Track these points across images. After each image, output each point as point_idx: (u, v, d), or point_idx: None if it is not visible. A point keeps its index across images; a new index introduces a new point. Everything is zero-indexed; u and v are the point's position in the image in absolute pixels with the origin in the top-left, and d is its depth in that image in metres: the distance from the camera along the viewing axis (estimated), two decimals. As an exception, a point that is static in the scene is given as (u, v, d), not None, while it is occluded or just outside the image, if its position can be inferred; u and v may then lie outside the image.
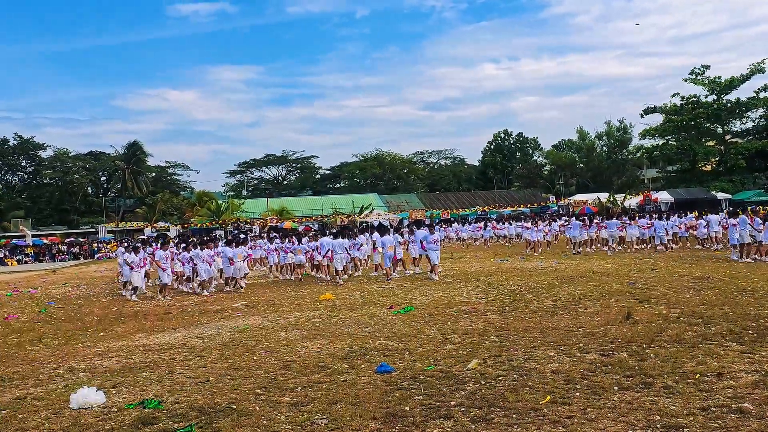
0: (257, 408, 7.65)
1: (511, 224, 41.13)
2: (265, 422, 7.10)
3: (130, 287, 21.14)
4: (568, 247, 30.97)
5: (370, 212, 68.08)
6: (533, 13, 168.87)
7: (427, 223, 33.05)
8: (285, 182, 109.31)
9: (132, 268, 21.00)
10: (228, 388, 8.67)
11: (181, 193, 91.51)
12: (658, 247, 28.17)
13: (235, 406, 7.75)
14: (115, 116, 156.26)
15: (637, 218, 30.86)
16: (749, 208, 35.66)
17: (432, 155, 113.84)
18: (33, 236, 67.15)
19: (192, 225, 64.86)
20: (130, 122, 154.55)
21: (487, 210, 70.03)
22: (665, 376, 7.99)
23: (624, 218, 31.30)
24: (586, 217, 34.59)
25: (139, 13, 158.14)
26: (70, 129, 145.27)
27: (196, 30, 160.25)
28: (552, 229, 34.81)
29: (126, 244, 27.79)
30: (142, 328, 14.76)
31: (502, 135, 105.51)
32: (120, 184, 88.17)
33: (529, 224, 32.91)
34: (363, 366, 9.46)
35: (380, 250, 22.61)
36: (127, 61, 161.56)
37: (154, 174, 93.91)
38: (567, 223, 34.05)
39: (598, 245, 30.18)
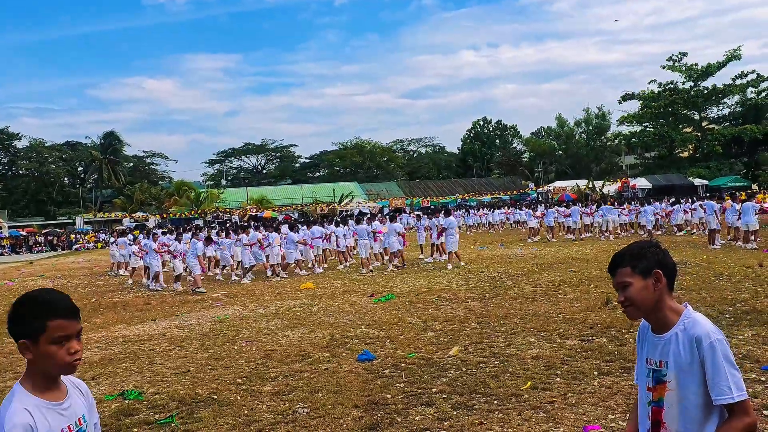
0: (238, 398, 7.62)
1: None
2: (246, 412, 7.08)
3: (151, 276, 20.70)
4: (563, 234, 31.04)
5: (351, 201, 68.03)
6: (512, 1, 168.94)
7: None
8: (264, 171, 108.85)
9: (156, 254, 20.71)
10: (209, 378, 8.64)
11: (160, 183, 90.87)
12: (642, 233, 28.50)
13: (216, 396, 7.72)
14: (91, 106, 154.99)
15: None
16: (726, 194, 36.08)
17: (412, 143, 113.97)
18: (9, 227, 66.42)
19: (171, 215, 64.45)
20: (106, 112, 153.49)
21: (467, 198, 70.22)
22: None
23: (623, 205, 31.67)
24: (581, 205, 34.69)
25: (115, 1, 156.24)
26: (46, 119, 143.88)
27: (172, 18, 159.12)
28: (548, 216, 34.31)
29: (145, 231, 27.46)
30: (122, 319, 14.66)
31: (481, 123, 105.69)
32: (97, 175, 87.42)
33: (533, 211, 32.97)
34: (344, 354, 9.46)
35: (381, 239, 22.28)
36: (103, 50, 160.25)
37: (131, 164, 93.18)
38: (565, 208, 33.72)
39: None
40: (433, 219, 22.98)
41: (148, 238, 22.01)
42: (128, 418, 7.17)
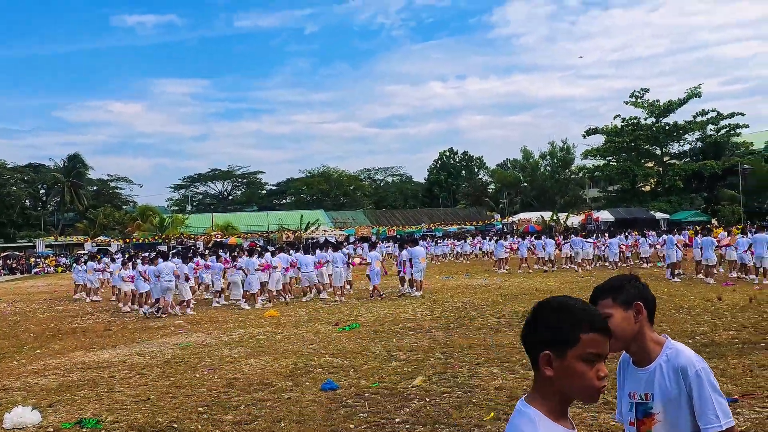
0: (199, 427, 7.52)
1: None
2: (207, 441, 6.98)
3: (150, 302, 19.99)
4: (537, 266, 30.96)
5: (317, 228, 67.87)
6: (481, 33, 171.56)
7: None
8: (230, 197, 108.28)
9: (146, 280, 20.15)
10: (169, 406, 8.51)
11: (123, 207, 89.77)
12: (607, 265, 28.87)
13: (176, 425, 7.61)
14: (56, 127, 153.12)
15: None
16: (688, 227, 36.76)
17: (379, 172, 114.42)
18: (-33, 250, 64.99)
19: (134, 240, 63.63)
20: (71, 134, 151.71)
21: (433, 227, 70.48)
22: (606, 392, 8.10)
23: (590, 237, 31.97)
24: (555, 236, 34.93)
25: (83, 22, 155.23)
26: (10, 139, 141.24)
27: (142, 41, 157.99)
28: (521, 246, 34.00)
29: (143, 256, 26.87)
30: (81, 345, 14.39)
31: (448, 153, 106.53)
32: (59, 198, 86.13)
33: (503, 241, 32.95)
34: (308, 383, 9.39)
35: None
36: (70, 72, 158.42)
37: (95, 187, 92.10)
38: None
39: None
40: (404, 251, 22.53)
41: (145, 264, 21.35)
42: (85, 446, 7.03)
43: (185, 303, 19.88)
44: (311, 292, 21.82)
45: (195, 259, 23.53)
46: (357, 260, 22.17)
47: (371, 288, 21.17)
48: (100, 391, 9.58)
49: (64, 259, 57.99)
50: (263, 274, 20.99)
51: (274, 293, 20.89)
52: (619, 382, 3.07)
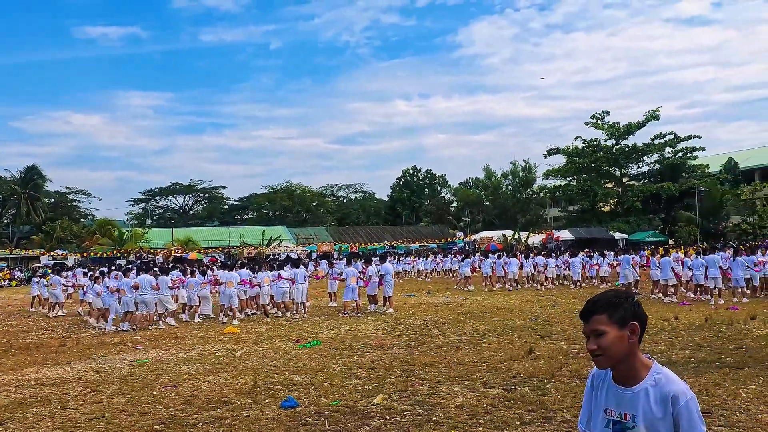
0: (155, 445, 7.38)
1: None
2: (163, 460, 6.85)
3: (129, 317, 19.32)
4: (499, 284, 30.92)
5: (279, 244, 67.49)
6: (446, 53, 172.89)
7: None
8: (192, 212, 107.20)
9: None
10: (125, 424, 8.34)
11: (82, 220, 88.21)
12: (569, 284, 29.19)
13: (131, 444, 7.45)
14: (13, 138, 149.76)
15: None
16: (646, 248, 37.33)
17: (342, 189, 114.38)
18: None
19: (92, 254, 62.56)
20: (30, 145, 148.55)
21: (395, 245, 70.55)
22: (565, 410, 8.19)
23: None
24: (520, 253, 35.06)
25: (43, 32, 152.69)
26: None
27: (104, 53, 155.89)
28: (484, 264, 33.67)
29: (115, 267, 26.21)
30: (34, 360, 14.05)
31: (411, 171, 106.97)
32: (15, 210, 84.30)
33: (469, 259, 32.87)
34: (267, 401, 9.29)
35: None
36: (28, 82, 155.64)
37: (53, 200, 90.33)
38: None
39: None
40: (372, 266, 22.49)
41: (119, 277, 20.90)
42: (37, 465, 6.84)
43: (169, 313, 19.75)
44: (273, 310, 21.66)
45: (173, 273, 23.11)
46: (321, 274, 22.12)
47: (347, 303, 20.87)
48: (53, 409, 9.36)
49: (19, 272, 56.69)
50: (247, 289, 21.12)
51: (269, 306, 20.94)
52: (590, 396, 3.07)
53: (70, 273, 28.44)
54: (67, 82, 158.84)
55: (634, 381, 2.88)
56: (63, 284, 25.09)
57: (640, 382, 2.86)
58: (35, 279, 27.98)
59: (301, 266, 23.09)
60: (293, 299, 21.34)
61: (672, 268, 21.91)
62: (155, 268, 22.11)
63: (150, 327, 18.88)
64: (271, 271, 21.94)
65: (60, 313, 24.30)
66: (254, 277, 21.83)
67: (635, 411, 2.84)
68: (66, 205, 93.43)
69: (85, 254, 62.25)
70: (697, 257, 22.56)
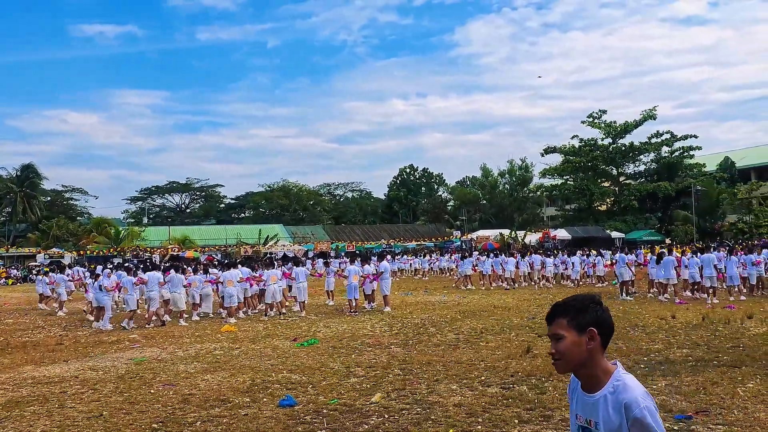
0: (153, 444, 7.37)
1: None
2: (161, 458, 6.84)
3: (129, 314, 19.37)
4: (495, 283, 30.90)
5: (276, 243, 67.44)
6: (442, 52, 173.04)
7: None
8: (188, 210, 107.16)
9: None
10: (123, 422, 8.33)
11: (78, 218, 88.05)
12: (569, 283, 29.23)
13: (129, 442, 7.44)
14: (10, 136, 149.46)
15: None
16: (643, 246, 37.39)
17: (339, 188, 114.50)
18: None
19: (88, 252, 62.46)
20: (26, 143, 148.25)
21: (392, 243, 70.59)
22: (563, 409, 8.20)
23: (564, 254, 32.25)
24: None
25: (40, 31, 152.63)
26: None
27: (100, 52, 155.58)
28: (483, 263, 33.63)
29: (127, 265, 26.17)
30: (31, 359, 14.02)
31: (408, 170, 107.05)
32: (11, 208, 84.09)
33: (470, 258, 32.84)
34: (265, 399, 9.28)
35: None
36: (25, 81, 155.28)
37: (49, 198, 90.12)
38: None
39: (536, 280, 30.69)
40: (366, 266, 22.52)
41: (129, 274, 20.84)
42: (35, 464, 6.83)
43: (180, 313, 19.83)
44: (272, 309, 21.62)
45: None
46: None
47: (350, 301, 20.91)
48: (50, 407, 9.34)
49: (16, 271, 56.59)
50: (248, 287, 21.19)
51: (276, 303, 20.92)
52: (570, 401, 3.07)
53: (70, 271, 28.42)
54: (63, 80, 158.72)
55: (596, 388, 2.85)
56: (67, 282, 25.01)
57: (600, 389, 2.83)
58: (39, 277, 27.84)
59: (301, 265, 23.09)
60: (293, 297, 21.43)
61: (676, 267, 21.92)
62: (180, 266, 22.29)
63: (147, 326, 18.85)
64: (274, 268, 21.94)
65: (61, 312, 24.12)
66: (256, 275, 21.86)
67: (597, 418, 2.82)
68: (62, 204, 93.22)
69: (81, 252, 62.17)
70: (693, 256, 22.58)
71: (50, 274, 26.36)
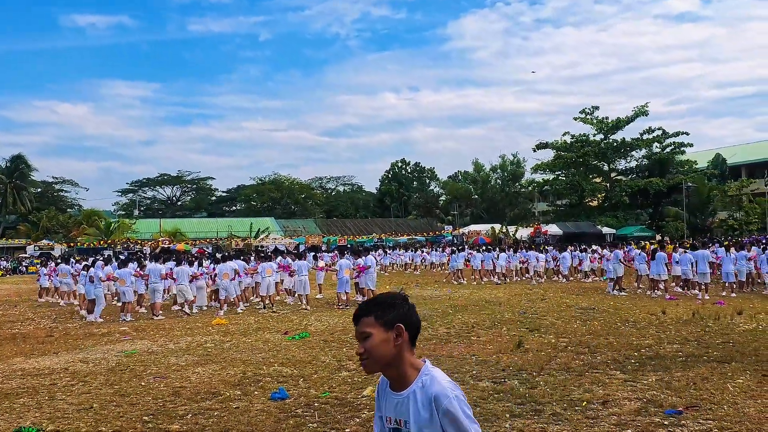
0: (144, 436, 7.35)
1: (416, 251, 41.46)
2: (152, 451, 6.82)
3: (128, 307, 19.39)
4: (488, 278, 31.09)
5: (267, 236, 67.33)
6: (435, 46, 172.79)
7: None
8: (179, 203, 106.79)
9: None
10: (113, 415, 8.30)
11: (68, 210, 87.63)
12: (560, 279, 29.30)
13: (120, 435, 7.42)
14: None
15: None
16: (633, 242, 37.52)
17: (330, 181, 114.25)
18: None
19: (79, 244, 62.19)
20: (15, 134, 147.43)
21: (384, 238, 70.58)
22: (554, 403, 8.21)
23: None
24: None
25: (31, 21, 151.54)
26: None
27: (91, 42, 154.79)
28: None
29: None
30: (21, 351, 13.96)
31: (400, 164, 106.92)
32: (1, 199, 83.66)
33: (462, 253, 32.78)
34: (256, 393, 9.27)
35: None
36: (14, 70, 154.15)
37: (39, 189, 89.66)
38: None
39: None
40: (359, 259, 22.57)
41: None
42: (24, 456, 6.79)
43: (188, 302, 20.01)
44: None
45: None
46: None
47: (339, 295, 20.97)
48: (40, 399, 9.30)
49: (5, 262, 56.31)
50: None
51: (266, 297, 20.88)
52: (377, 406, 3.01)
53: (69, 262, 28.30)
54: (53, 71, 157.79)
55: (405, 385, 2.80)
56: (72, 273, 24.88)
57: (409, 386, 2.78)
58: (43, 270, 27.59)
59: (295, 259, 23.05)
60: (285, 290, 21.45)
61: (667, 264, 21.98)
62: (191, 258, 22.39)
63: (154, 317, 18.95)
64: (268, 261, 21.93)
65: (75, 301, 23.93)
66: (249, 267, 21.86)
67: (407, 416, 2.77)
68: (52, 195, 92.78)
69: (71, 244, 61.91)
70: (684, 252, 22.66)
71: (60, 265, 26.29)
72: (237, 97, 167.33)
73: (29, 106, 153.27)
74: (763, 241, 33.31)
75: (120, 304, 19.67)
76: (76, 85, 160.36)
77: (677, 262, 22.57)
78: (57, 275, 25.59)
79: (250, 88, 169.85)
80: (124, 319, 18.65)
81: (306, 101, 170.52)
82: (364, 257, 22.15)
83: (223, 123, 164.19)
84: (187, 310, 19.86)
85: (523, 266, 31.08)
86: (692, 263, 21.69)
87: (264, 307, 20.57)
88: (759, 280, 23.51)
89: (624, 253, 26.39)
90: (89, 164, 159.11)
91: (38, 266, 28.44)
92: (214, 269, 21.57)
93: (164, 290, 20.40)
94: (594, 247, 34.86)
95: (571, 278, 29.66)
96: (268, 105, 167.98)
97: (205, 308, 21.12)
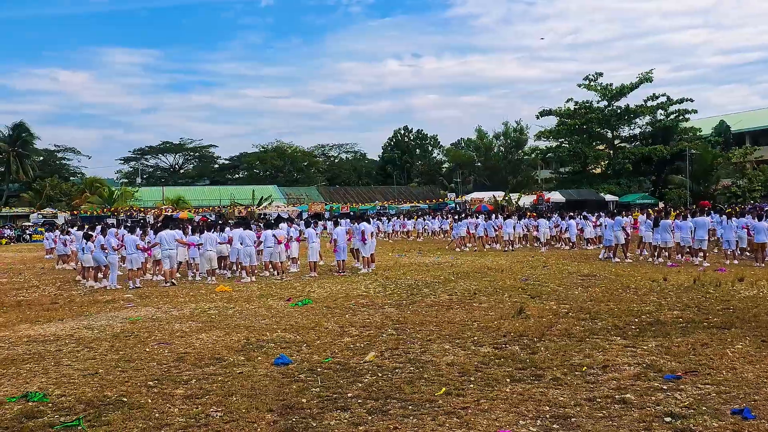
0: (149, 401, 7.44)
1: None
2: (157, 415, 6.92)
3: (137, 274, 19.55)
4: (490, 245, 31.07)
5: (270, 204, 67.41)
6: (437, 12, 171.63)
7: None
8: (182, 171, 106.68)
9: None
10: (118, 380, 8.40)
11: (71, 178, 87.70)
12: (563, 246, 29.40)
13: (125, 399, 7.51)
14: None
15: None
16: (637, 209, 37.47)
17: (333, 149, 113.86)
18: None
19: (82, 212, 62.34)
20: (16, 102, 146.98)
21: (386, 205, 70.63)
22: (554, 368, 8.30)
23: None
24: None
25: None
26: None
27: (90, 9, 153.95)
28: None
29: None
30: (26, 318, 14.07)
31: (402, 131, 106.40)
32: (4, 168, 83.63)
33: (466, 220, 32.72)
34: (260, 358, 9.36)
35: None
36: (13, 38, 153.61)
37: (41, 158, 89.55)
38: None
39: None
40: (357, 224, 22.75)
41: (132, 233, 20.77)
42: (31, 420, 6.89)
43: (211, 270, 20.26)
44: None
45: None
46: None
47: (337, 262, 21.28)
48: (46, 365, 9.41)
49: (9, 231, 56.46)
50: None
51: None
52: None
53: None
54: (53, 38, 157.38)
55: None
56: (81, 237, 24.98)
57: None
58: (62, 237, 27.56)
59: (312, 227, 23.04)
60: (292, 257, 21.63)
61: (673, 230, 22.01)
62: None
63: (165, 284, 19.16)
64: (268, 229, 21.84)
65: (72, 266, 24.28)
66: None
67: None
68: (55, 163, 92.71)
69: (74, 212, 62.05)
70: (685, 219, 22.68)
71: (71, 231, 26.52)
72: (238, 64, 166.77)
73: (29, 74, 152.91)
74: (766, 208, 33.24)
75: (128, 270, 19.70)
76: (75, 53, 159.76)
77: (679, 228, 22.57)
78: (70, 242, 25.75)
79: (251, 54, 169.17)
80: (133, 287, 18.72)
81: (307, 68, 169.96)
82: (357, 223, 22.27)
83: (224, 90, 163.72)
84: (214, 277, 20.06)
85: (529, 234, 31.09)
86: (691, 230, 21.69)
87: (276, 274, 20.66)
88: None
89: (630, 218, 26.25)
90: (90, 132, 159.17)
91: (45, 233, 28.42)
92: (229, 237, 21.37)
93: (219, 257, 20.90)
94: (584, 213, 34.52)
95: (576, 247, 29.66)
96: (269, 72, 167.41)
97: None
